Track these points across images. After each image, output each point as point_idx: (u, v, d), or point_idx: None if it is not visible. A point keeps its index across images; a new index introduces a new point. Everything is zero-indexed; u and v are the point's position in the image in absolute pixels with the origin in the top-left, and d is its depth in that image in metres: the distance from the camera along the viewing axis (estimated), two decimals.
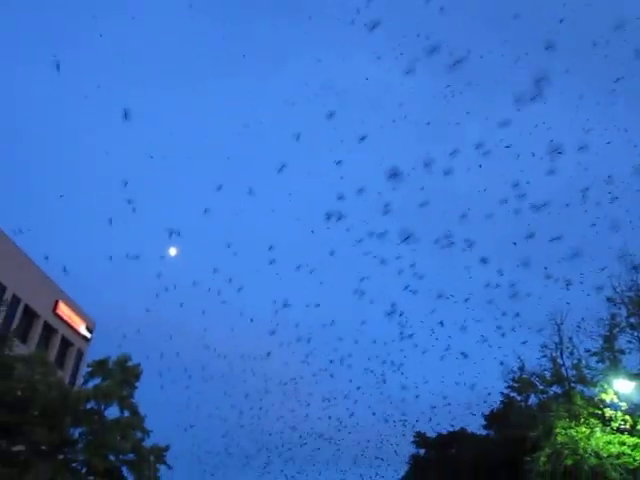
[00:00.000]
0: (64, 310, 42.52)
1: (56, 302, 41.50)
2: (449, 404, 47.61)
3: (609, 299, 26.36)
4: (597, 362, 26.27)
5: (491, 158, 36.31)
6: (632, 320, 25.80)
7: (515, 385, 30.85)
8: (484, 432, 44.84)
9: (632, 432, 23.09)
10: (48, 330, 41.00)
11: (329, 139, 54.36)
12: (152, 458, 27.01)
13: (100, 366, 27.42)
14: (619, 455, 22.53)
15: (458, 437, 46.26)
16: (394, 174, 33.52)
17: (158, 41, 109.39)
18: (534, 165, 37.22)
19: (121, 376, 26.63)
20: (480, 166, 37.66)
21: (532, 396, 29.22)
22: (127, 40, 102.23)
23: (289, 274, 50.17)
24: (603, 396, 23.91)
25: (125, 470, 26.53)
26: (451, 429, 47.73)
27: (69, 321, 43.46)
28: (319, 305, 48.72)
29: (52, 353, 39.00)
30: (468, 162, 38.21)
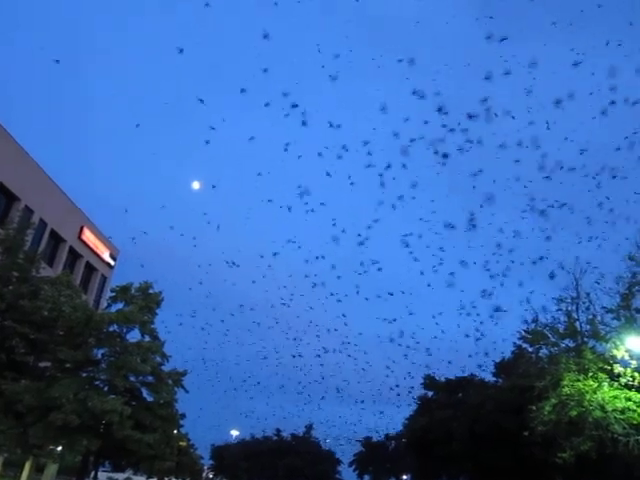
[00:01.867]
0: (89, 237, 43.52)
1: (81, 228, 42.45)
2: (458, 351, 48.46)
3: (630, 257, 25.97)
4: (612, 319, 26.17)
5: None
6: None
7: (527, 336, 31.03)
8: (493, 379, 45.69)
9: (639, 389, 23.28)
10: (73, 255, 42.17)
11: None
12: (170, 381, 28.18)
13: (123, 292, 28.24)
14: (624, 410, 22.78)
15: (467, 382, 47.25)
16: None
17: None
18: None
19: (143, 302, 27.43)
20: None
21: (543, 348, 29.36)
22: None
23: None
24: (614, 352, 23.94)
25: (145, 391, 27.79)
26: (460, 375, 48.73)
27: (94, 247, 44.55)
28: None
29: (77, 277, 40.24)
30: None
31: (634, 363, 23.67)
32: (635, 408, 22.70)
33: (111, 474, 54.14)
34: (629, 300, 25.64)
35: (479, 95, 36.57)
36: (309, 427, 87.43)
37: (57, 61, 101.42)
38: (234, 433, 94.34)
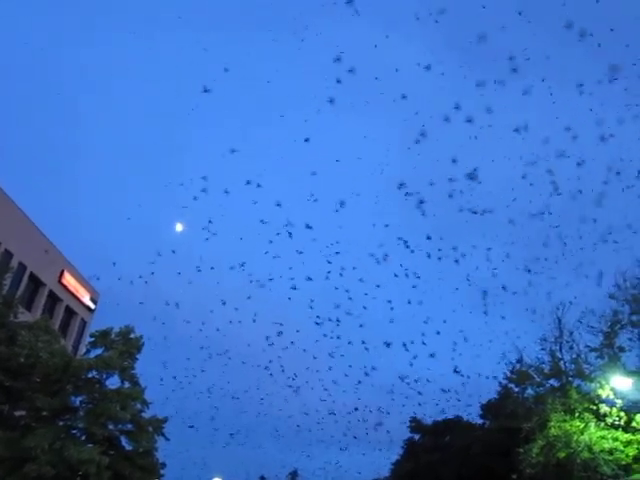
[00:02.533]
0: (69, 280, 42.89)
1: (62, 272, 41.85)
2: (447, 391, 47.95)
3: (612, 296, 26.31)
4: (596, 358, 26.31)
5: None
6: (634, 318, 25.78)
7: (513, 376, 30.97)
8: (480, 421, 45.20)
9: (626, 429, 23.21)
10: (53, 299, 41.41)
11: None
12: (150, 429, 27.37)
13: (103, 337, 27.67)
14: (612, 451, 22.70)
15: (454, 425, 46.66)
16: None
17: None
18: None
19: (123, 347, 26.88)
20: None
21: (529, 388, 29.32)
22: None
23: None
24: (599, 392, 23.96)
25: (124, 440, 26.93)
26: (447, 417, 48.14)
27: (74, 291, 43.85)
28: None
29: (56, 322, 39.41)
30: None
31: (619, 402, 23.70)
32: (623, 448, 22.60)
33: None
34: (612, 339, 25.85)
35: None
36: (293, 474, 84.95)
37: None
38: None
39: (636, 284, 25.90)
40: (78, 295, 44.57)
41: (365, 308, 48.84)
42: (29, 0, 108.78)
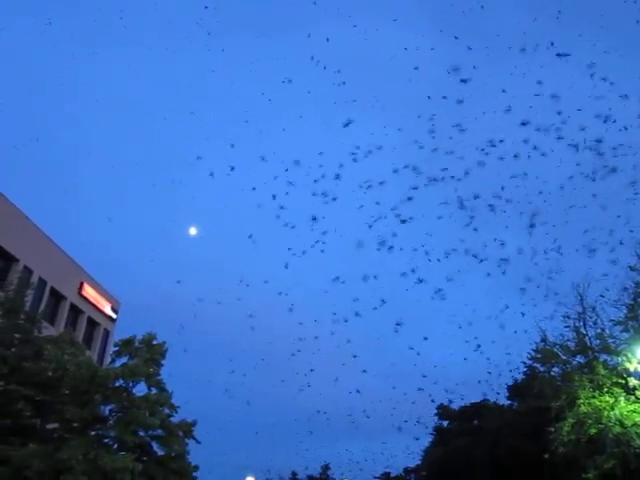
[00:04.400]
0: (89, 291, 43.36)
1: (81, 284, 42.32)
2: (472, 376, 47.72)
3: (632, 268, 25.97)
4: (621, 331, 26.02)
5: None
6: None
7: (538, 356, 30.73)
8: (508, 403, 44.98)
9: None
10: (75, 311, 41.92)
11: None
12: (181, 433, 27.61)
13: (126, 345, 27.92)
14: None
15: (481, 409, 46.48)
16: None
17: None
18: None
19: (147, 354, 27.10)
20: None
21: (555, 366, 29.06)
22: None
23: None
24: (627, 365, 23.73)
25: (155, 446, 27.19)
26: (474, 401, 47.96)
27: (94, 302, 44.32)
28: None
29: (79, 334, 39.94)
30: None
31: None
32: None
33: None
34: (636, 311, 25.54)
35: None
36: (325, 467, 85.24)
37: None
38: (250, 479, 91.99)
39: None
40: (99, 306, 45.05)
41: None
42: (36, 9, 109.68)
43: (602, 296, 26.88)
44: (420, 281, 42.01)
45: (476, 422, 45.45)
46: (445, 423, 50.17)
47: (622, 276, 26.65)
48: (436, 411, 50.10)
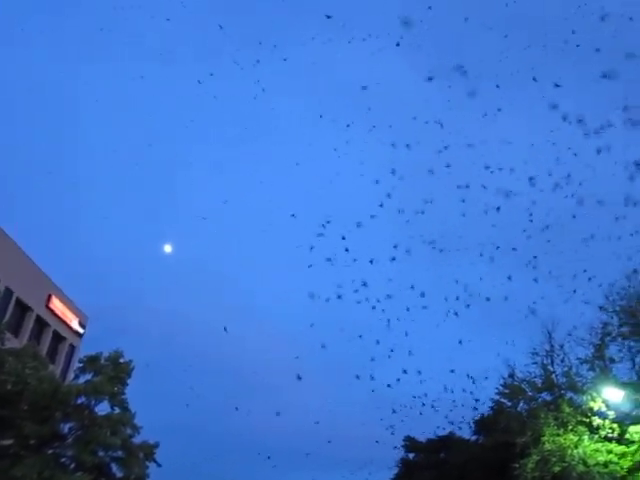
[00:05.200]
0: (57, 305, 42.43)
1: (49, 296, 41.41)
2: (438, 410, 47.65)
3: (601, 308, 26.50)
4: (588, 370, 26.43)
5: None
6: (624, 329, 25.96)
7: (505, 391, 30.95)
8: (474, 437, 44.95)
9: (620, 440, 23.24)
10: (40, 324, 40.90)
11: None
12: (141, 455, 26.96)
13: (92, 362, 27.35)
14: (606, 463, 22.68)
15: (448, 442, 46.33)
16: None
17: None
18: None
19: (113, 372, 26.58)
20: None
21: (522, 402, 29.29)
22: None
23: None
24: (592, 404, 24.03)
25: (114, 467, 26.48)
26: (440, 433, 47.79)
27: (61, 316, 43.34)
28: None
29: (44, 347, 38.90)
30: None
31: (612, 414, 23.74)
32: (617, 460, 22.59)
33: None
34: (602, 350, 25.99)
35: None
36: None
37: None
38: None
39: (624, 295, 26.12)
40: (66, 320, 44.05)
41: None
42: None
43: (570, 334, 27.34)
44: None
45: (443, 455, 45.27)
46: (411, 455, 49.84)
47: (590, 315, 27.15)
48: (403, 443, 49.78)
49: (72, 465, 24.75)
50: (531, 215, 36.61)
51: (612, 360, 25.95)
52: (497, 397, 35.25)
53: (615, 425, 23.53)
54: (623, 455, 22.63)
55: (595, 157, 33.60)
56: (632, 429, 22.82)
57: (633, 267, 26.47)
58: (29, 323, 39.03)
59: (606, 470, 22.60)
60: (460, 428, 43.98)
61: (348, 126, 46.21)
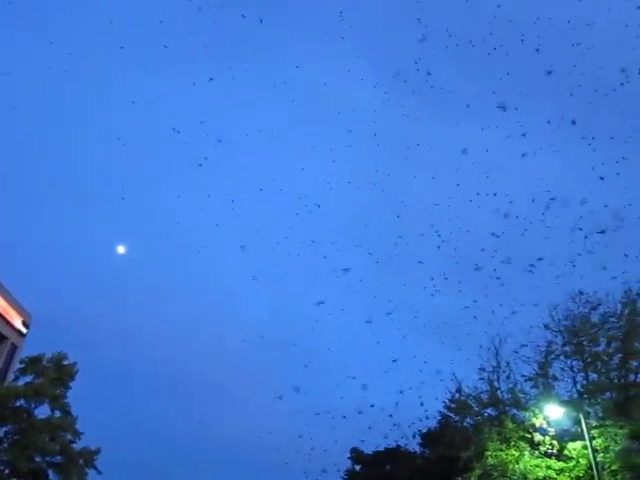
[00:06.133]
0: None
1: None
2: (384, 420, 47.95)
3: (546, 326, 27.25)
4: (531, 387, 27.05)
5: None
6: (567, 348, 26.77)
7: (452, 405, 31.42)
8: (420, 450, 45.42)
9: (559, 457, 23.90)
10: None
11: None
12: (81, 461, 26.14)
13: (33, 363, 26.46)
14: (545, 478, 23.30)
15: (394, 454, 46.67)
16: None
17: None
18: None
19: (55, 374, 25.76)
20: None
21: (468, 417, 29.77)
22: None
23: None
24: (534, 420, 24.65)
25: (52, 473, 25.58)
26: (387, 445, 48.12)
27: (2, 313, 41.57)
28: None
29: None
30: None
31: (552, 431, 24.43)
32: (556, 476, 23.22)
33: None
34: (546, 368, 26.71)
35: None
36: None
37: None
38: None
39: (567, 315, 26.96)
40: (7, 317, 42.24)
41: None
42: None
43: (516, 352, 27.96)
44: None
45: (388, 468, 45.54)
46: (357, 467, 49.92)
47: (536, 334, 27.83)
48: (349, 454, 49.83)
49: (6, 471, 23.76)
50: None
51: (555, 378, 26.65)
52: (444, 411, 35.79)
53: (555, 442, 24.20)
54: (562, 471, 23.27)
55: None
56: (570, 445, 23.51)
57: (578, 289, 27.36)
58: None
59: None
60: (406, 442, 44.33)
61: None
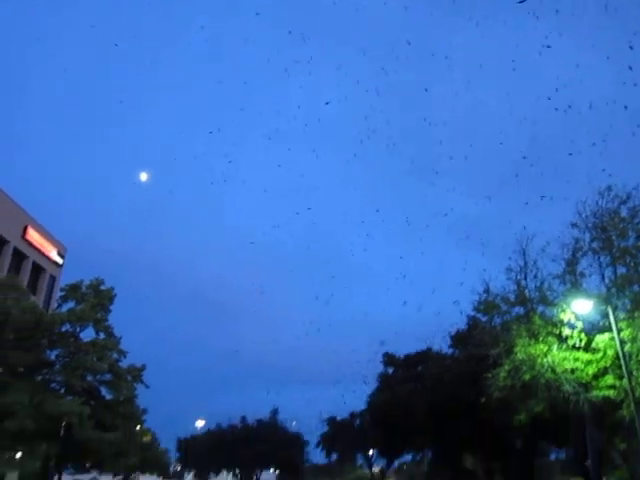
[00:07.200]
0: (33, 236, 41.95)
1: (25, 228, 40.84)
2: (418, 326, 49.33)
3: (573, 224, 26.94)
4: (559, 284, 27.17)
5: None
6: (594, 244, 26.57)
7: (480, 307, 31.85)
8: (450, 351, 46.87)
9: (586, 349, 24.39)
10: (19, 256, 40.59)
11: None
12: (129, 377, 27.75)
13: (73, 290, 27.51)
14: (573, 370, 23.94)
15: (425, 356, 48.33)
16: None
17: None
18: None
19: (95, 299, 26.83)
20: None
21: (496, 317, 30.21)
22: None
23: None
24: (562, 316, 24.94)
25: (104, 390, 27.29)
26: (418, 349, 49.76)
27: (39, 247, 42.97)
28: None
29: (24, 279, 38.82)
30: None
31: (580, 325, 24.78)
32: (583, 367, 23.84)
33: (76, 476, 52.74)
34: (574, 265, 26.68)
35: None
36: (274, 412, 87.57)
37: None
38: (199, 424, 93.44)
39: (595, 212, 26.53)
40: (44, 250, 43.73)
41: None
42: None
43: (543, 250, 27.87)
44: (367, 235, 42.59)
45: (420, 369, 47.29)
46: (390, 370, 51.98)
47: (563, 232, 27.58)
48: (382, 359, 51.79)
49: (62, 390, 25.43)
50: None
51: (582, 274, 26.64)
52: (472, 313, 36.42)
53: (583, 335, 24.59)
54: (589, 362, 23.83)
55: None
56: (598, 338, 23.89)
57: (606, 184, 26.69)
58: (7, 256, 38.68)
59: (573, 376, 23.89)
60: (438, 346, 45.50)
61: None
